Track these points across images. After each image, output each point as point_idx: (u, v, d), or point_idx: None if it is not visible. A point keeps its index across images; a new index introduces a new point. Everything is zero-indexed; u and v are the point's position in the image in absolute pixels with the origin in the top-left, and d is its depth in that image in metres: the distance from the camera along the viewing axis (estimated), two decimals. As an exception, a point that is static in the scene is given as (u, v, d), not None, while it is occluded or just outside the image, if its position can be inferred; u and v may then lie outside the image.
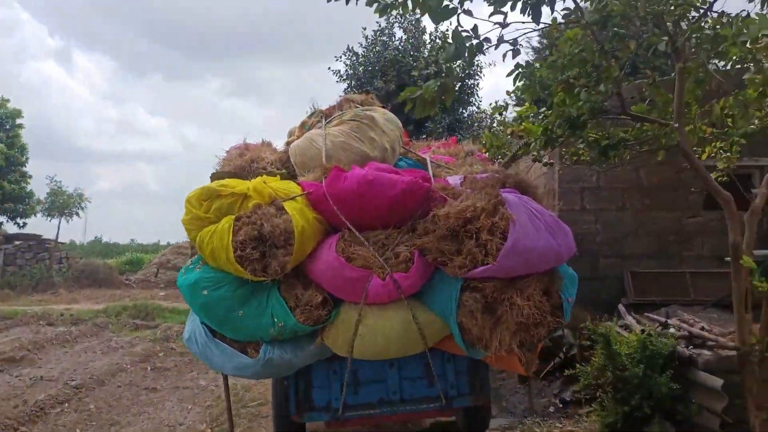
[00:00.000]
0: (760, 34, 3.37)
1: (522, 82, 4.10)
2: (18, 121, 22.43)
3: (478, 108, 18.44)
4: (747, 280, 4.06)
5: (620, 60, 4.19)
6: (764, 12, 3.48)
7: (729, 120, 4.69)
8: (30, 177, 22.82)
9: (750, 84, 4.05)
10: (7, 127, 22.05)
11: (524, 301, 3.30)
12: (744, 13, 3.67)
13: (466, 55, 3.60)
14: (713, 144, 5.15)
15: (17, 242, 20.74)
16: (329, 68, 17.69)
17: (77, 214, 24.85)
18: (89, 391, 6.84)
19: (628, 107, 4.56)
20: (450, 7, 3.46)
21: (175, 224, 4.12)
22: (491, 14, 3.57)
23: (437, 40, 16.65)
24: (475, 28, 3.58)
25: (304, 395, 4.07)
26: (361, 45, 17.59)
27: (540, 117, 4.88)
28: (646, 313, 5.99)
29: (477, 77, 17.88)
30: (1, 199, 21.45)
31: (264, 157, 4.47)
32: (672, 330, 4.88)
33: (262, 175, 3.97)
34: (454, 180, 4.04)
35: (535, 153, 4.85)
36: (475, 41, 3.61)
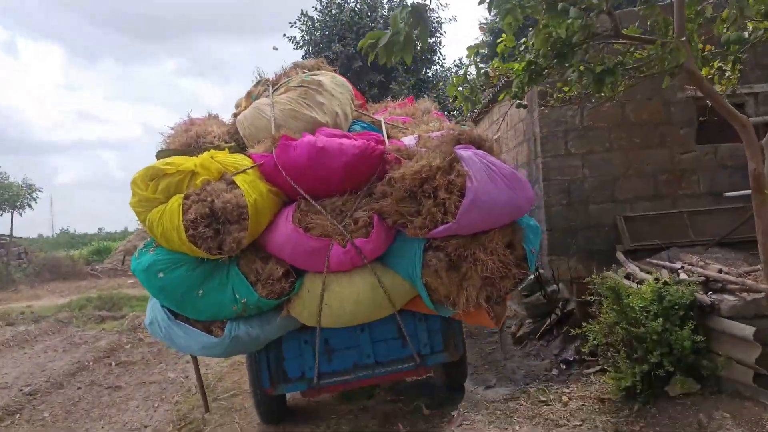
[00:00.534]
0: None
1: (498, 8, 3.50)
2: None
3: (442, 66, 18.25)
4: None
5: None
6: None
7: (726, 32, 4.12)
8: None
9: None
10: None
11: (488, 256, 3.30)
12: None
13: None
14: (712, 64, 4.66)
15: None
16: (284, 35, 17.17)
17: (29, 205, 23.82)
18: (45, 396, 6.23)
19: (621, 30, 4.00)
20: None
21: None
22: None
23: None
24: None
25: (277, 367, 4.05)
26: (316, 9, 16.99)
27: (522, 49, 4.35)
28: (648, 259, 5.48)
29: (438, 34, 17.56)
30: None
31: (210, 131, 4.28)
32: (683, 276, 4.35)
33: (209, 150, 3.80)
34: (408, 140, 3.97)
35: (517, 90, 4.31)
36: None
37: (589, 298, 4.48)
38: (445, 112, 15.27)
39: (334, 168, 3.48)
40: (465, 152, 3.43)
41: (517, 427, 4.00)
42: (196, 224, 3.30)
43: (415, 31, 3.08)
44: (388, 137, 4.10)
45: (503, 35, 4.28)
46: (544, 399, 4.46)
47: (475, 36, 19.00)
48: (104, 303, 12.77)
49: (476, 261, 3.32)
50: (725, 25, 4.09)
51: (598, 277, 4.36)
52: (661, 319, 3.79)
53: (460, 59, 18.98)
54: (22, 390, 6.34)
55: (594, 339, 4.23)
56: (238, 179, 3.51)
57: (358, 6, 16.77)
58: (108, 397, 6.05)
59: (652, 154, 6.73)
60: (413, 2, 3.14)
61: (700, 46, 4.36)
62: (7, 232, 21.59)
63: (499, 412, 4.31)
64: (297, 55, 17.12)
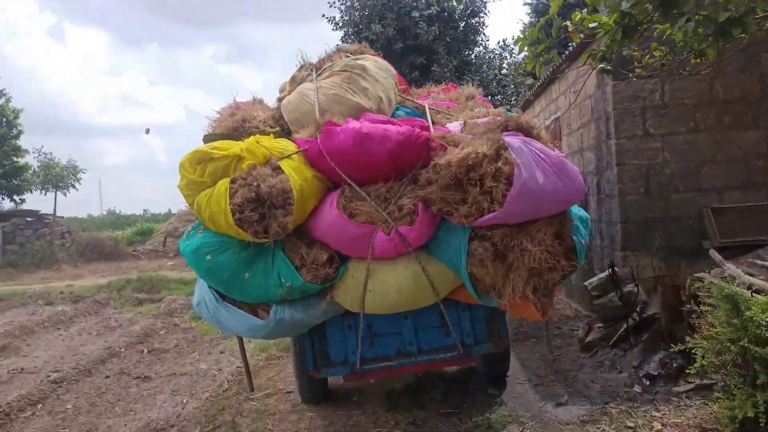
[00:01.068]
0: None
1: None
2: (2, 89, 21.22)
3: (485, 48, 17.66)
4: None
5: None
6: None
7: None
8: (25, 151, 21.97)
9: None
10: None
11: (535, 246, 3.23)
12: None
13: None
14: None
15: (14, 219, 20.15)
16: (323, 15, 16.88)
17: (73, 186, 24.40)
18: (71, 384, 5.92)
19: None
20: None
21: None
22: None
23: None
24: None
25: (321, 351, 4.11)
26: (356, -12, 16.52)
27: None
28: (749, 259, 4.71)
29: (482, 14, 17.02)
30: (-4, 174, 20.61)
31: (256, 116, 4.30)
32: None
33: (254, 135, 3.83)
34: (454, 126, 3.90)
35: (606, 49, 3.57)
36: None
37: (688, 305, 3.74)
38: (489, 97, 14.85)
39: (378, 154, 3.45)
40: (513, 139, 3.35)
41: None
42: (242, 208, 3.33)
43: None
44: (433, 123, 4.04)
45: None
46: (631, 425, 3.76)
47: (518, 18, 18.34)
48: (143, 285, 13.04)
49: (523, 251, 3.25)
50: None
51: (699, 281, 3.68)
52: None
53: (504, 40, 18.38)
54: (49, 377, 6.18)
55: (703, 358, 3.41)
56: (284, 164, 3.52)
57: (399, -15, 16.16)
58: (136, 388, 5.79)
59: (744, 136, 5.86)
60: None
61: None
62: (52, 212, 22.21)
63: (576, 438, 3.72)
64: (336, 36, 16.85)
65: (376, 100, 4.14)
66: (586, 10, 3.81)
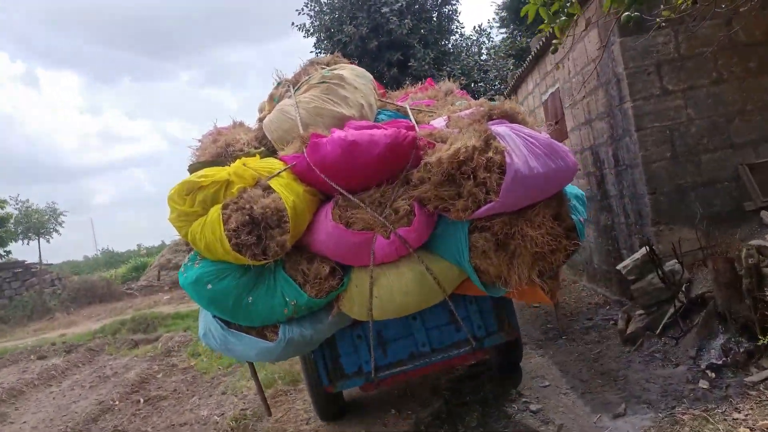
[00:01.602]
0: None
1: None
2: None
3: (462, 35, 17.43)
4: None
5: None
6: None
7: None
8: (4, 201, 21.11)
9: None
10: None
11: (536, 230, 3.22)
12: None
13: None
14: None
15: (1, 273, 19.30)
16: (293, 24, 16.47)
17: (56, 230, 23.77)
18: None
19: None
20: None
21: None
22: None
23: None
24: None
25: (334, 365, 4.07)
26: (322, -8, 16.11)
27: None
28: None
29: (453, 2, 16.83)
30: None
31: (239, 139, 4.27)
32: None
33: (240, 158, 3.79)
34: (438, 123, 3.89)
35: None
36: None
37: (746, 279, 3.26)
38: (473, 84, 14.55)
39: (367, 160, 3.42)
40: (500, 128, 3.35)
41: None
42: (238, 233, 3.28)
43: None
44: (417, 122, 4.03)
45: None
46: (709, 432, 3.07)
47: (491, 1, 18.00)
48: (138, 325, 12.52)
49: (524, 237, 3.23)
50: None
51: (756, 249, 3.17)
52: None
53: (479, 26, 18.16)
54: (35, 445, 5.50)
55: None
56: (274, 183, 3.49)
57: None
58: None
59: (776, 81, 5.11)
60: None
61: None
62: (38, 260, 21.46)
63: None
64: (308, 44, 16.52)
65: (358, 107, 4.13)
66: None
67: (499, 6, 16.66)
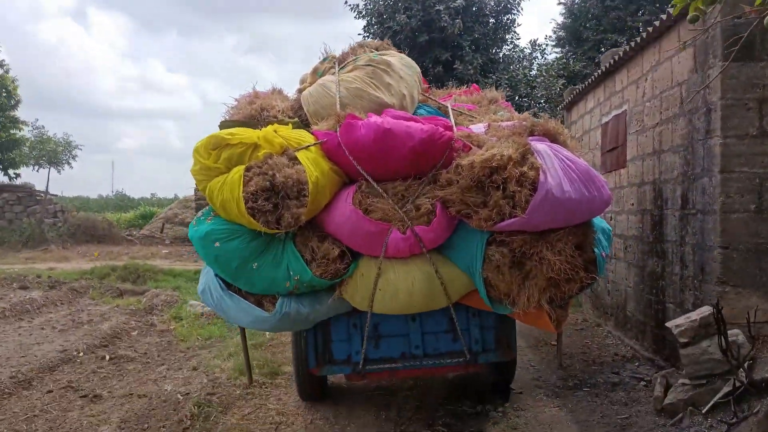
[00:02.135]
0: None
1: None
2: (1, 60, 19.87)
3: (515, 47, 16.89)
4: None
5: None
6: None
7: None
8: (23, 123, 20.68)
9: None
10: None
11: (555, 256, 3.13)
12: None
13: None
14: None
15: (5, 194, 18.75)
16: (346, 2, 15.95)
17: (68, 163, 23.21)
18: (1, 400, 4.74)
19: None
20: None
21: (190, 178, 3.83)
22: None
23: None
24: None
25: (324, 348, 4.03)
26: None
27: None
28: None
29: (514, 12, 16.41)
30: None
31: (274, 105, 4.22)
32: None
33: (272, 124, 3.75)
34: (477, 128, 3.81)
35: None
36: None
37: None
38: (517, 98, 14.15)
39: (400, 151, 3.36)
40: (539, 144, 3.25)
41: None
42: (255, 197, 3.25)
43: None
44: (456, 124, 3.94)
45: None
46: None
47: (551, 18, 17.49)
48: (129, 274, 12.05)
49: (542, 260, 3.15)
50: None
51: None
52: None
53: (535, 40, 17.66)
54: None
55: None
56: (300, 155, 3.44)
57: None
58: (77, 412, 4.51)
59: None
60: None
61: None
62: (45, 189, 20.80)
63: None
64: (356, 28, 16.05)
65: (399, 96, 4.06)
66: None
67: (558, 25, 16.27)
